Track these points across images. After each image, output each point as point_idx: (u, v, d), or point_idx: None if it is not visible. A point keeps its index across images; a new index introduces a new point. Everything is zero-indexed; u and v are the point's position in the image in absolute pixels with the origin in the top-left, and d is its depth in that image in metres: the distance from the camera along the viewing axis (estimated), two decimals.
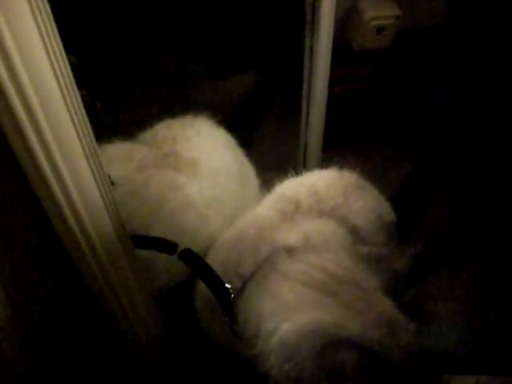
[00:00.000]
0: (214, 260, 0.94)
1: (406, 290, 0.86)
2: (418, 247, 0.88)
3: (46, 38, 0.54)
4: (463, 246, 1.45)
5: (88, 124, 0.67)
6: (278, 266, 0.80)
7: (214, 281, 0.87)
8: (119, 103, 1.70)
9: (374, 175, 1.29)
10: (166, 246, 0.94)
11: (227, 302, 0.84)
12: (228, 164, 1.20)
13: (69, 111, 0.61)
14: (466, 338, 1.17)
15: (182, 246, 0.97)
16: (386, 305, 0.75)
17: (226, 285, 0.85)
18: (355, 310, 0.72)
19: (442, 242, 1.46)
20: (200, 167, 1.12)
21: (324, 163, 1.48)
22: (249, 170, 1.32)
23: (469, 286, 1.35)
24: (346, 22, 1.47)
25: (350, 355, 0.69)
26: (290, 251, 0.82)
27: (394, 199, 1.13)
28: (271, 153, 1.66)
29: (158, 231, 1.01)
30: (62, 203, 0.67)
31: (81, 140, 0.65)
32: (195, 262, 0.93)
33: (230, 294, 0.84)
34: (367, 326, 0.70)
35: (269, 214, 0.96)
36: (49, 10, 0.55)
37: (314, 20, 1.26)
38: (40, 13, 0.53)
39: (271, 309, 0.76)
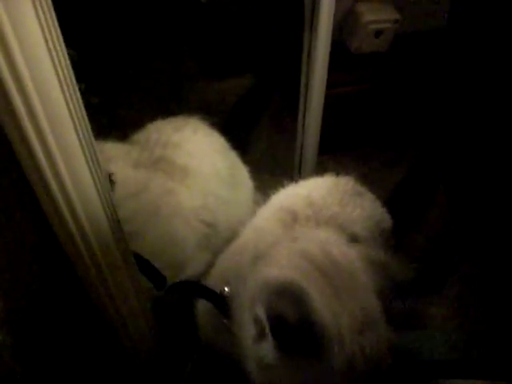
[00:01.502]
0: (215, 275, 0.95)
1: (403, 300, 0.86)
2: (419, 267, 0.88)
3: (47, 32, 0.54)
4: (457, 249, 1.45)
5: (87, 120, 0.67)
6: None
7: (207, 291, 0.87)
8: (116, 102, 1.69)
9: (371, 178, 1.30)
10: (156, 279, 0.95)
11: (223, 305, 0.83)
12: (219, 170, 1.19)
13: (68, 107, 0.60)
14: (459, 343, 1.17)
15: (169, 253, 0.99)
16: (372, 304, 0.74)
17: (225, 288, 0.84)
18: (339, 296, 0.72)
19: (435, 245, 1.47)
20: (191, 174, 1.12)
21: (320, 166, 1.49)
22: (242, 173, 1.31)
23: (462, 290, 1.36)
24: (344, 25, 1.47)
25: (304, 327, 0.68)
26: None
27: (390, 202, 1.13)
28: (267, 155, 1.66)
29: (151, 236, 1.01)
30: (61, 203, 0.67)
31: (79, 138, 0.64)
32: (186, 289, 0.95)
33: (226, 296, 0.84)
34: (341, 315, 0.69)
35: (268, 226, 0.96)
36: (50, 3, 0.54)
37: (313, 23, 1.26)
38: (41, 6, 0.53)
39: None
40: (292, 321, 0.66)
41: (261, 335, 0.71)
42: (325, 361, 0.68)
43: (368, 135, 1.69)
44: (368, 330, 0.70)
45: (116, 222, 0.80)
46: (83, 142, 0.66)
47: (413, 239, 1.44)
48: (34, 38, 0.53)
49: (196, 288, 0.93)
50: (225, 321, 0.83)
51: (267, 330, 0.69)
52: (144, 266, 0.94)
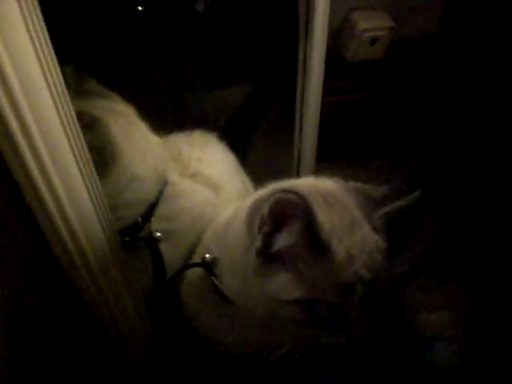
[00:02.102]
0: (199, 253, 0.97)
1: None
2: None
3: (39, 50, 0.54)
4: (456, 256, 1.45)
5: (80, 134, 0.67)
6: None
7: (191, 265, 0.93)
8: None
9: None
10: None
11: (209, 268, 0.86)
12: (240, 191, 1.23)
13: (61, 121, 0.60)
14: (461, 351, 1.17)
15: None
16: (356, 212, 0.77)
17: (207, 255, 0.87)
18: (330, 205, 0.76)
19: (434, 252, 1.46)
20: (222, 190, 1.15)
21: (318, 174, 1.48)
22: (249, 187, 1.33)
23: (463, 296, 1.35)
24: (339, 33, 1.47)
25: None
26: None
27: None
28: (264, 164, 1.66)
29: (190, 238, 1.03)
30: (54, 213, 0.67)
31: (73, 150, 0.65)
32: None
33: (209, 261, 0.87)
34: (333, 217, 0.73)
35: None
36: (42, 20, 0.55)
37: (308, 31, 1.27)
38: (33, 23, 0.53)
39: None
40: (299, 215, 0.69)
41: (268, 235, 0.71)
42: (326, 256, 0.70)
43: (364, 142, 1.69)
44: (357, 230, 0.74)
45: (112, 233, 0.81)
46: (78, 157, 0.66)
47: (409, 245, 1.43)
48: (26, 54, 0.53)
49: (182, 268, 0.95)
50: (213, 278, 0.85)
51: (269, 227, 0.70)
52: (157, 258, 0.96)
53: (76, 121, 0.65)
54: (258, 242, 0.72)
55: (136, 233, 0.94)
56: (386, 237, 0.78)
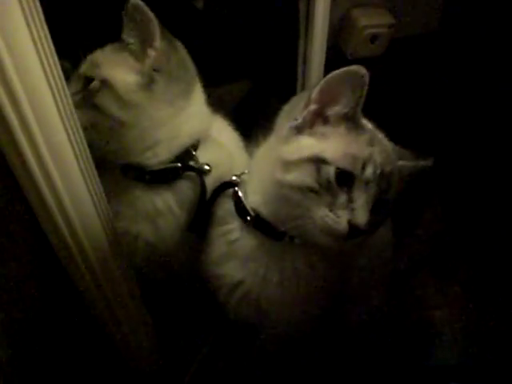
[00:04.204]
0: None
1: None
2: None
3: (39, 44, 0.54)
4: (456, 252, 1.45)
5: (80, 130, 0.66)
6: None
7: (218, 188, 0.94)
8: None
9: None
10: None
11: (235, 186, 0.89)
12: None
13: (60, 116, 0.60)
14: (463, 348, 1.17)
15: None
16: None
17: (233, 177, 0.92)
18: None
19: (435, 248, 1.46)
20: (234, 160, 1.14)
21: None
22: None
23: (464, 293, 1.35)
24: (339, 30, 1.47)
25: None
26: None
27: None
28: None
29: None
30: (55, 212, 0.67)
31: (73, 146, 0.64)
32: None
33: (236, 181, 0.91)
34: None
35: None
36: (42, 15, 0.54)
37: (308, 28, 1.27)
38: (33, 18, 0.53)
39: None
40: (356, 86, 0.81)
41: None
42: (356, 131, 0.80)
43: None
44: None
45: (114, 236, 0.80)
46: (79, 157, 0.66)
47: (409, 243, 1.44)
48: (26, 49, 0.53)
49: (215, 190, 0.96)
50: (236, 189, 0.88)
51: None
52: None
53: (76, 117, 0.64)
54: (300, 118, 0.79)
55: (187, 162, 0.95)
56: None
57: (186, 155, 0.95)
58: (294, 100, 0.87)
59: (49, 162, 0.61)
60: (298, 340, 1.00)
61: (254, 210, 0.84)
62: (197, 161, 0.96)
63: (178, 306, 1.15)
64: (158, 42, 0.89)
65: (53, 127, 0.59)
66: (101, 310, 0.84)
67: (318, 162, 0.75)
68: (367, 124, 0.85)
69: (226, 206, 0.91)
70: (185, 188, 0.97)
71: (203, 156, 0.98)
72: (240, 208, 0.86)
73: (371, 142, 0.79)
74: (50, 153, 0.60)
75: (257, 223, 0.84)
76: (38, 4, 0.53)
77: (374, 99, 1.63)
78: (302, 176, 0.75)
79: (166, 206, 0.96)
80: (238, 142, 1.22)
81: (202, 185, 0.96)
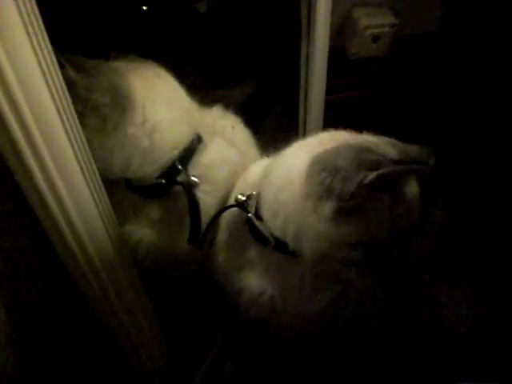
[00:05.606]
0: None
1: None
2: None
3: (40, 53, 0.55)
4: (463, 251, 1.44)
5: (82, 135, 0.67)
6: None
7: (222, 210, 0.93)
8: None
9: None
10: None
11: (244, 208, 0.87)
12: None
13: (63, 123, 0.61)
14: (472, 346, 1.17)
15: None
16: None
17: (239, 196, 0.89)
18: None
19: (441, 247, 1.46)
20: (244, 158, 1.14)
21: None
22: None
23: (472, 292, 1.35)
24: (341, 30, 1.47)
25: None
26: None
27: None
28: None
29: (226, 189, 1.04)
30: (60, 220, 0.67)
31: (75, 151, 0.65)
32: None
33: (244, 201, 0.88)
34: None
35: None
36: (41, 23, 0.55)
37: (310, 29, 1.27)
38: (32, 27, 0.53)
39: None
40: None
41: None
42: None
43: None
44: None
45: (118, 239, 0.81)
46: (81, 162, 0.67)
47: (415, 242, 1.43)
48: (27, 58, 0.54)
49: (218, 212, 0.94)
50: (250, 215, 0.85)
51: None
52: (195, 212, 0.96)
53: (76, 119, 0.65)
54: (338, 203, 0.75)
55: (173, 177, 0.95)
56: None
57: (174, 169, 0.95)
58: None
59: (53, 170, 0.61)
60: (310, 335, 1.00)
61: (272, 235, 0.82)
62: (186, 174, 0.96)
63: (184, 307, 1.16)
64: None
65: (55, 135, 0.60)
66: (105, 311, 0.84)
67: (364, 243, 0.76)
68: None
69: (236, 227, 0.91)
70: (174, 203, 0.97)
71: (208, 156, 0.99)
72: (257, 233, 0.84)
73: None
74: (55, 165, 0.61)
75: (277, 246, 0.82)
76: (36, 6, 0.54)
77: (377, 99, 1.64)
78: (347, 253, 0.77)
79: (160, 219, 0.97)
80: (249, 139, 1.23)
81: (192, 199, 0.96)
